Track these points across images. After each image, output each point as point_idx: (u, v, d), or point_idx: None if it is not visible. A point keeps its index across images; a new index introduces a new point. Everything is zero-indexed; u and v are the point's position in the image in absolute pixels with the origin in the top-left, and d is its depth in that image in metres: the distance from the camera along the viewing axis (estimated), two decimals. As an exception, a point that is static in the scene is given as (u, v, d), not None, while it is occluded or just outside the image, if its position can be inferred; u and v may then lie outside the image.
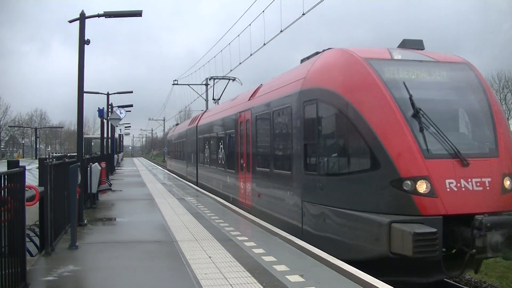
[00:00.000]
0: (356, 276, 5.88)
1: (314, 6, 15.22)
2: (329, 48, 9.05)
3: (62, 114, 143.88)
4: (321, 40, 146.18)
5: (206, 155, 19.51)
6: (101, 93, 23.71)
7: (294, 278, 5.72)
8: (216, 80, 27.13)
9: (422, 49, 8.53)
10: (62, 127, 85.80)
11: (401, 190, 6.63)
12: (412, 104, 7.15)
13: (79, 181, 8.64)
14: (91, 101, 37.76)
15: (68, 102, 40.62)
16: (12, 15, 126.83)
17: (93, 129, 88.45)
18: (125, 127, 45.50)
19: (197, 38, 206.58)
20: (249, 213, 11.32)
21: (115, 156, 33.34)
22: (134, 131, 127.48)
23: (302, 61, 10.29)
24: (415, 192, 6.57)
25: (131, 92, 25.96)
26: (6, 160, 7.66)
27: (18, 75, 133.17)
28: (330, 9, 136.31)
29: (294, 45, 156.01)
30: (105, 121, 19.72)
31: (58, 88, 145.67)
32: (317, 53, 9.59)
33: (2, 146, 78.78)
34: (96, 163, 12.53)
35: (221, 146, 16.30)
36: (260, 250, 7.28)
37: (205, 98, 44.68)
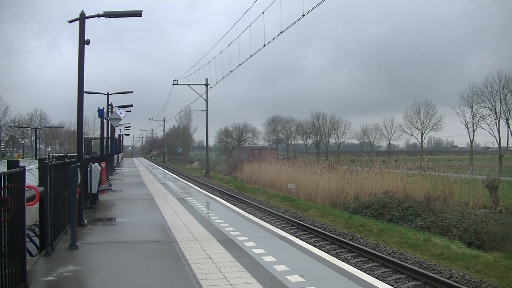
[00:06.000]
0: (356, 276, 5.88)
1: (313, 8, 15.25)
2: None
3: (62, 113, 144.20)
4: (336, 37, 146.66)
5: None
6: (101, 93, 23.68)
7: (294, 278, 5.73)
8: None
9: None
10: (62, 127, 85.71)
11: None
12: None
13: (79, 181, 8.64)
14: (92, 101, 37.77)
15: (69, 101, 40.70)
16: (20, 10, 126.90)
17: (93, 129, 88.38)
18: (125, 127, 45.43)
19: (207, 35, 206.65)
20: None
21: (115, 156, 33.32)
22: (134, 131, 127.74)
23: None
24: None
25: (131, 92, 25.96)
26: (6, 160, 7.64)
27: (22, 73, 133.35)
28: (345, 6, 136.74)
29: (307, 42, 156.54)
30: (105, 121, 19.67)
31: (60, 86, 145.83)
32: None
33: (2, 146, 78.66)
34: (96, 163, 12.53)
35: None
36: (260, 250, 7.28)
37: (205, 98, 44.73)
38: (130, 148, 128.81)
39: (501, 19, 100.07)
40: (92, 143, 44.64)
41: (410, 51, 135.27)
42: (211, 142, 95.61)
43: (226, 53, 27.63)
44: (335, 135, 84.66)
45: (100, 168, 12.44)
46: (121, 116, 24.63)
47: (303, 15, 15.85)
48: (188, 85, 44.69)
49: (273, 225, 12.07)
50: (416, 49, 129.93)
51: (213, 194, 18.53)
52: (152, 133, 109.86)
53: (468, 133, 56.54)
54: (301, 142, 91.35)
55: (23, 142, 74.48)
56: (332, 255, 10.26)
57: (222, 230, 9.11)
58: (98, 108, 18.07)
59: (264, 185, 31.85)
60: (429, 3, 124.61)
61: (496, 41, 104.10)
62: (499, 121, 52.31)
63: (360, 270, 7.45)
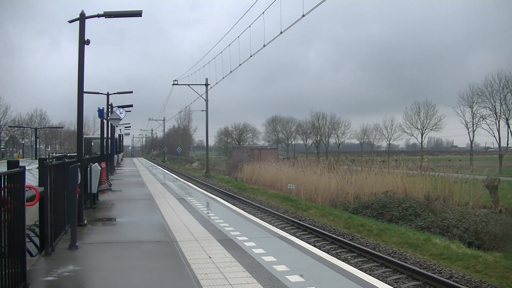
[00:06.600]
0: (356, 276, 5.88)
1: (313, 9, 15.26)
2: None
3: (62, 113, 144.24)
4: (337, 37, 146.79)
5: None
6: (101, 93, 23.68)
7: (294, 278, 5.73)
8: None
9: None
10: (62, 127, 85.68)
11: None
12: None
13: (79, 181, 8.63)
14: (92, 101, 37.74)
15: (69, 101, 40.78)
16: (20, 10, 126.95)
17: (93, 129, 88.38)
18: (125, 127, 45.42)
19: (208, 35, 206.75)
20: None
21: (115, 156, 33.31)
22: (134, 131, 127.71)
23: None
24: None
25: (131, 92, 25.96)
26: (6, 160, 7.64)
27: (22, 72, 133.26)
28: (345, 6, 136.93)
29: (308, 42, 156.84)
30: (105, 121, 19.66)
31: (61, 86, 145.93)
32: None
33: (2, 146, 78.63)
34: (96, 163, 12.53)
35: None
36: (260, 250, 7.28)
37: (205, 98, 44.74)
38: (130, 148, 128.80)
39: (503, 19, 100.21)
40: (92, 143, 44.64)
41: (411, 51, 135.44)
42: (211, 142, 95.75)
43: (226, 53, 27.61)
44: (335, 135, 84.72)
45: (100, 168, 12.44)
46: (121, 116, 24.61)
47: (303, 16, 15.86)
48: (188, 85, 44.72)
49: (273, 225, 12.07)
50: (417, 49, 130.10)
51: (213, 194, 18.53)
52: (152, 133, 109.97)
53: (468, 133, 56.63)
54: (301, 142, 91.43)
55: (23, 142, 74.48)
56: (332, 255, 10.26)
57: (222, 230, 9.11)
58: (98, 108, 18.08)
59: (264, 185, 31.85)
60: (430, 3, 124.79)
61: (497, 41, 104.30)
62: (499, 121, 52.39)
63: (360, 270, 7.45)
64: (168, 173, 32.27)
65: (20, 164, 5.16)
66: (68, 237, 7.94)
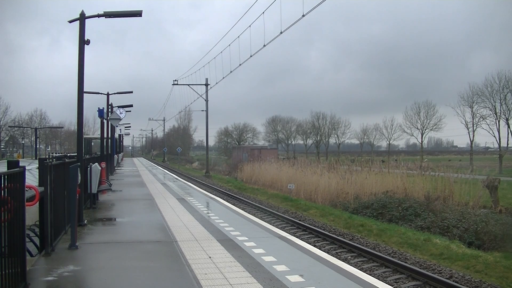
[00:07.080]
0: (356, 276, 5.89)
1: (313, 9, 15.28)
2: None
3: (62, 113, 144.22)
4: (338, 37, 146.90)
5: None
6: (101, 93, 23.69)
7: (294, 278, 5.72)
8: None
9: None
10: (62, 127, 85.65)
11: None
12: None
13: (79, 181, 8.63)
14: (92, 101, 37.76)
15: (69, 101, 40.79)
16: (21, 9, 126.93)
17: (93, 129, 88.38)
18: (125, 127, 45.41)
19: (209, 35, 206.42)
20: None
21: (115, 156, 33.30)
22: (134, 131, 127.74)
23: None
24: None
25: (131, 92, 25.96)
26: (6, 160, 7.64)
27: (23, 72, 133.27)
28: (346, 6, 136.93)
29: (309, 42, 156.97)
30: (105, 121, 19.65)
31: (61, 86, 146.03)
32: None
33: (2, 146, 78.60)
34: (96, 163, 12.52)
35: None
36: (260, 250, 7.28)
37: (205, 98, 44.75)
38: (130, 148, 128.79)
39: (503, 19, 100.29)
40: (92, 143, 44.61)
41: (412, 51, 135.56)
42: (211, 142, 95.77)
43: (226, 53, 27.63)
44: (335, 135, 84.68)
45: (100, 168, 12.44)
46: (121, 116, 24.61)
47: (303, 16, 15.87)
48: (188, 85, 44.75)
49: (273, 225, 12.08)
50: (417, 48, 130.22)
51: (213, 194, 18.53)
52: (152, 133, 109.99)
53: (468, 133, 56.64)
54: (301, 142, 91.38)
55: (23, 142, 74.43)
56: (332, 255, 10.26)
57: (222, 230, 9.11)
58: (98, 108, 18.07)
59: (264, 185, 31.85)
60: (430, 3, 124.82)
61: (498, 41, 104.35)
62: (499, 121, 52.42)
63: (360, 270, 7.45)
64: (168, 173, 32.28)
65: (20, 164, 5.16)
66: (68, 237, 7.95)
